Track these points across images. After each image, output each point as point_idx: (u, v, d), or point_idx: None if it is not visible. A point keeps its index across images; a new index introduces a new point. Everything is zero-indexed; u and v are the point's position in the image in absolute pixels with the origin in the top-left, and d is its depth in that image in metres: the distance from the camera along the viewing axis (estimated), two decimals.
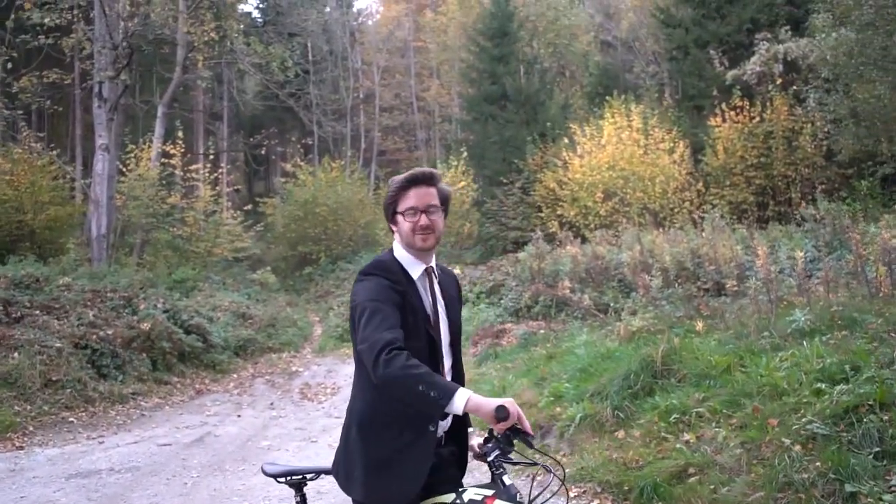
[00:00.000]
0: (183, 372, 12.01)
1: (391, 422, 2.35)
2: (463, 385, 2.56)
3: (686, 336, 7.20)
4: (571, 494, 5.10)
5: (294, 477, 2.76)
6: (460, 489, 2.31)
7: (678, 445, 5.00)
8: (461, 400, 2.12)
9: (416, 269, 2.48)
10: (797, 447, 4.30)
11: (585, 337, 9.06)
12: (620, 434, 5.63)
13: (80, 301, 12.03)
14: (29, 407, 8.92)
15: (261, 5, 38.51)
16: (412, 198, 2.44)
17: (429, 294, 2.49)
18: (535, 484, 2.39)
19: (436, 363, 2.42)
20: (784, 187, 17.67)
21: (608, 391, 6.22)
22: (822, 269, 8.00)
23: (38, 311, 11.10)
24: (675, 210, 18.09)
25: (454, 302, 2.62)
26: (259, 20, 37.42)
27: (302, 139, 35.24)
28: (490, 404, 2.14)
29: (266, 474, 2.79)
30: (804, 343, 5.75)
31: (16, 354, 9.50)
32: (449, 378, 2.53)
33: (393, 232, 2.53)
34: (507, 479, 2.27)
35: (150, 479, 6.45)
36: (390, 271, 2.40)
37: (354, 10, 43.55)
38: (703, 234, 11.50)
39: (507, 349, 10.43)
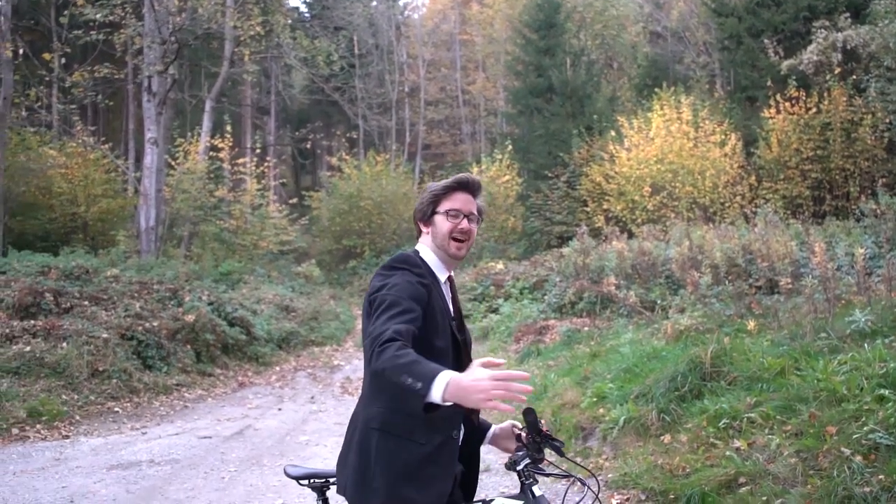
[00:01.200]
0: (226, 364, 12.11)
1: (415, 427, 2.22)
2: None
3: (737, 336, 6.91)
4: (614, 502, 4.90)
5: (316, 480, 2.64)
6: (488, 500, 2.19)
7: (728, 452, 4.75)
8: (440, 386, 1.87)
9: (441, 274, 2.43)
10: (858, 458, 4.03)
11: (631, 335, 8.80)
12: (666, 439, 5.40)
13: (127, 292, 12.23)
14: (76, 396, 9.06)
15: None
16: (458, 200, 2.41)
17: (450, 302, 2.44)
18: (567, 496, 2.23)
19: (459, 359, 2.34)
20: (842, 181, 17.00)
21: (654, 393, 5.98)
22: (884, 266, 7.60)
23: (86, 302, 11.30)
24: (726, 205, 17.59)
25: (462, 317, 2.58)
26: (306, 14, 37.71)
27: (347, 133, 35.41)
28: (470, 389, 1.85)
29: (288, 476, 2.69)
30: (865, 345, 5.44)
31: (64, 344, 9.67)
32: None
33: (420, 234, 2.47)
34: (536, 490, 2.12)
35: (188, 472, 6.46)
36: (416, 265, 2.33)
37: (400, 3, 43.55)
38: (756, 230, 11.09)
39: (549, 346, 10.22)
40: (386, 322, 2.10)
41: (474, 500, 2.24)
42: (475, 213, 2.43)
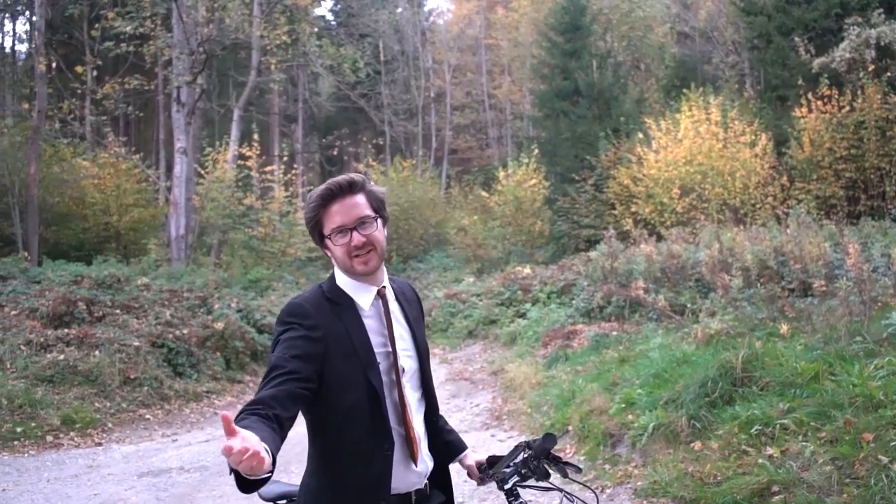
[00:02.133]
0: (255, 371, 12.18)
1: (341, 496, 2.01)
2: (437, 410, 2.25)
3: (769, 340, 6.76)
4: None
5: (294, 500, 2.32)
6: None
7: (760, 460, 4.64)
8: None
9: (365, 297, 2.09)
10: None
11: (660, 340, 8.67)
12: (697, 446, 5.29)
13: (157, 300, 12.40)
14: (108, 404, 9.21)
15: (334, 8, 39.08)
16: (337, 214, 2.02)
17: (384, 323, 2.09)
18: None
19: (379, 414, 2.03)
20: (877, 180, 16.62)
21: (684, 399, 5.87)
22: None
23: (118, 311, 11.49)
24: (757, 206, 17.29)
25: (418, 322, 2.25)
26: (332, 22, 38.00)
27: (374, 139, 35.57)
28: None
29: (262, 498, 2.39)
30: None
31: (97, 352, 9.83)
32: (421, 406, 2.17)
33: (329, 257, 2.13)
34: None
35: (217, 479, 6.50)
36: (306, 316, 1.99)
37: (425, 9, 43.65)
38: (788, 231, 10.88)
39: (577, 351, 10.12)
40: (259, 390, 1.87)
41: None
42: (367, 214, 2.04)
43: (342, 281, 2.10)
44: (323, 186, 2.05)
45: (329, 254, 2.10)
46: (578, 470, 2.14)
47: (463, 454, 2.34)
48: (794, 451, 4.60)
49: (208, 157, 22.20)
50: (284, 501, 2.37)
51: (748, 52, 22.97)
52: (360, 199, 2.05)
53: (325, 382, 1.95)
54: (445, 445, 2.31)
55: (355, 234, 2.02)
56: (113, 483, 6.41)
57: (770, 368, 5.76)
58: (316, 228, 2.07)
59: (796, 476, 4.32)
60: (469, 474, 2.34)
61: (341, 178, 2.06)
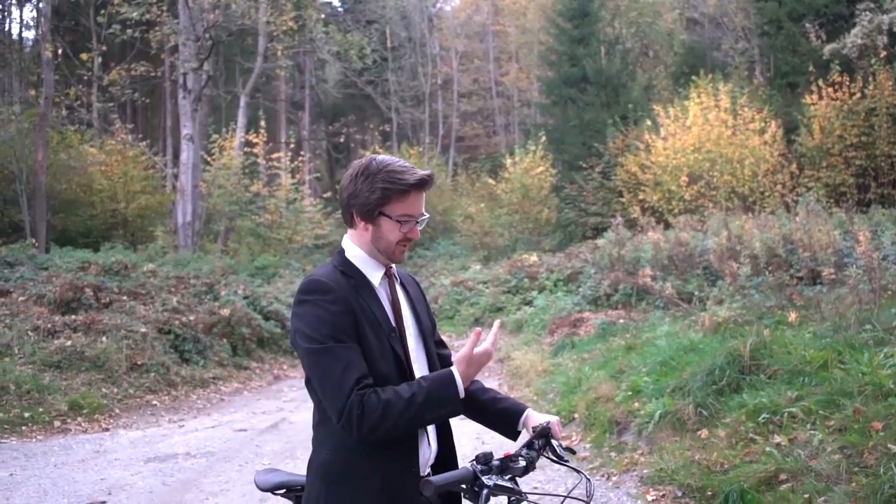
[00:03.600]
0: (262, 357, 12.22)
1: (369, 471, 1.96)
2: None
3: (777, 328, 6.72)
4: (650, 498, 4.80)
5: (295, 490, 2.24)
6: None
7: (768, 448, 4.61)
8: (460, 383, 1.95)
9: (376, 274, 2.08)
10: None
11: (667, 328, 8.64)
12: (704, 433, 5.27)
13: (164, 287, 12.41)
14: (115, 390, 9.23)
15: None
16: (412, 204, 2.03)
17: (390, 300, 2.10)
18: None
19: (405, 380, 2.03)
20: (888, 168, 16.49)
21: (691, 386, 5.84)
22: None
23: (125, 297, 11.51)
24: (766, 194, 17.19)
25: (421, 304, 2.23)
26: (338, 8, 37.82)
27: (381, 126, 35.46)
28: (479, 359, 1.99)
29: (259, 488, 2.33)
30: None
31: (104, 338, 9.85)
32: None
33: (353, 226, 2.08)
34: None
35: (223, 464, 6.51)
36: (327, 291, 1.95)
37: None
38: (797, 219, 10.80)
39: (584, 339, 10.10)
40: (337, 382, 1.87)
41: None
42: (425, 212, 2.09)
43: (353, 254, 2.09)
44: (421, 173, 2.04)
45: (368, 228, 2.05)
46: (573, 453, 2.09)
47: (524, 416, 2.21)
48: (802, 440, 4.56)
49: (215, 143, 22.17)
50: (283, 492, 2.28)
51: (758, 38, 22.77)
52: (425, 196, 2.10)
53: (362, 353, 1.95)
54: (503, 413, 2.24)
55: (416, 228, 2.06)
56: (120, 468, 6.43)
57: (778, 356, 5.71)
58: (379, 203, 2.01)
59: (804, 464, 4.29)
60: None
61: (429, 172, 2.08)
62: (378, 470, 1.95)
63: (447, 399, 1.91)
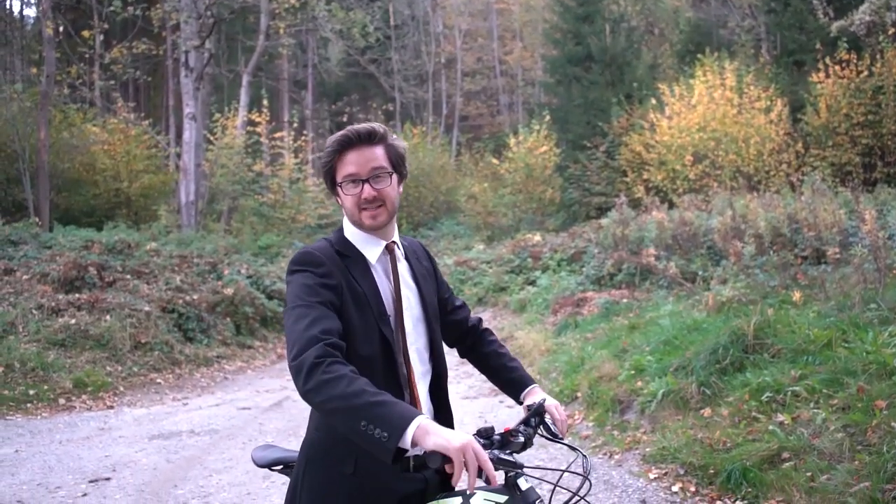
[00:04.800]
0: (265, 336, 12.25)
1: (345, 455, 1.87)
2: (445, 378, 2.12)
3: (781, 307, 6.69)
4: (652, 476, 4.81)
5: (290, 465, 2.20)
6: (468, 492, 1.84)
7: (771, 427, 4.61)
8: (411, 434, 1.60)
9: (373, 251, 2.02)
10: None
11: (671, 307, 8.62)
12: (706, 412, 5.27)
13: (168, 266, 12.43)
14: (120, 368, 9.27)
15: None
16: (351, 163, 1.94)
17: (391, 278, 2.02)
18: (555, 490, 1.98)
19: (393, 370, 1.95)
20: (895, 147, 16.36)
21: (694, 365, 5.83)
22: None
23: (128, 276, 11.53)
24: (771, 173, 17.08)
25: (428, 279, 2.15)
26: None
27: (384, 105, 35.30)
28: (434, 440, 1.59)
29: (256, 464, 2.30)
30: None
31: (108, 317, 9.88)
32: (427, 373, 2.07)
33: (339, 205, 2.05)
34: (523, 483, 1.86)
35: (226, 442, 6.54)
36: (318, 264, 1.92)
37: None
38: (802, 198, 10.72)
39: (587, 318, 10.09)
40: (303, 334, 1.75)
41: (454, 491, 1.92)
42: (382, 166, 1.95)
43: (350, 232, 2.04)
44: (342, 132, 1.98)
45: (339, 202, 2.04)
46: (560, 438, 2.09)
47: (527, 390, 2.19)
48: (805, 418, 4.56)
49: (217, 123, 22.09)
50: (280, 467, 2.27)
51: (765, 15, 22.52)
52: (379, 150, 1.98)
53: (344, 332, 1.87)
54: (510, 382, 2.22)
55: (367, 186, 1.95)
56: (124, 445, 6.46)
57: (782, 336, 5.70)
58: (329, 174, 2.00)
59: (807, 443, 4.28)
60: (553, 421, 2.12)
61: (362, 125, 1.98)
62: (353, 454, 1.87)
63: (380, 443, 1.61)
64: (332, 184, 2.01)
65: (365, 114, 34.38)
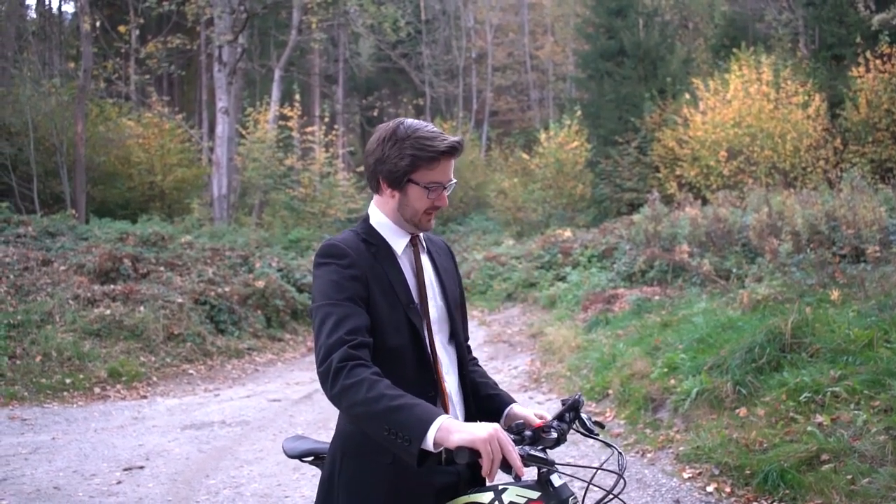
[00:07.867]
0: (295, 329, 12.33)
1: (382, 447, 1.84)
2: (466, 366, 2.10)
3: (819, 306, 6.54)
4: (686, 476, 4.73)
5: (321, 457, 2.20)
6: (500, 487, 1.84)
7: (809, 428, 4.50)
8: (432, 436, 1.63)
9: (400, 242, 2.02)
10: None
11: (704, 305, 8.48)
12: (742, 412, 5.17)
13: (200, 258, 12.56)
14: (153, 358, 9.41)
15: None
16: (441, 171, 1.95)
17: (413, 270, 2.03)
18: (589, 487, 1.92)
19: (423, 360, 1.95)
20: None
21: (729, 364, 5.72)
22: None
23: (162, 268, 11.67)
24: (808, 169, 16.75)
25: (449, 273, 2.14)
26: None
27: (414, 100, 35.28)
28: (459, 437, 1.62)
29: (287, 455, 2.31)
30: None
31: (142, 308, 10.02)
32: (453, 363, 2.06)
33: (379, 192, 2.02)
34: (556, 479, 1.82)
35: (257, 433, 6.59)
36: (343, 255, 1.91)
37: None
38: (841, 195, 10.48)
39: (618, 315, 9.97)
40: (329, 337, 1.78)
41: (485, 486, 1.88)
42: (453, 179, 2.02)
43: (377, 221, 2.03)
44: (451, 140, 1.96)
45: (395, 194, 1.99)
46: (601, 427, 2.05)
47: (509, 408, 2.13)
48: (845, 420, 4.45)
49: (249, 117, 22.28)
50: (311, 458, 2.27)
51: (803, 8, 22.04)
52: (454, 162, 2.01)
53: (373, 324, 1.88)
54: (488, 399, 2.16)
55: (444, 194, 1.99)
56: (157, 434, 6.55)
57: (821, 335, 5.57)
58: (407, 170, 1.95)
59: (847, 445, 4.18)
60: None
61: (459, 139, 1.98)
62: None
63: (405, 449, 1.66)
64: (400, 178, 1.96)
65: (395, 108, 34.42)
